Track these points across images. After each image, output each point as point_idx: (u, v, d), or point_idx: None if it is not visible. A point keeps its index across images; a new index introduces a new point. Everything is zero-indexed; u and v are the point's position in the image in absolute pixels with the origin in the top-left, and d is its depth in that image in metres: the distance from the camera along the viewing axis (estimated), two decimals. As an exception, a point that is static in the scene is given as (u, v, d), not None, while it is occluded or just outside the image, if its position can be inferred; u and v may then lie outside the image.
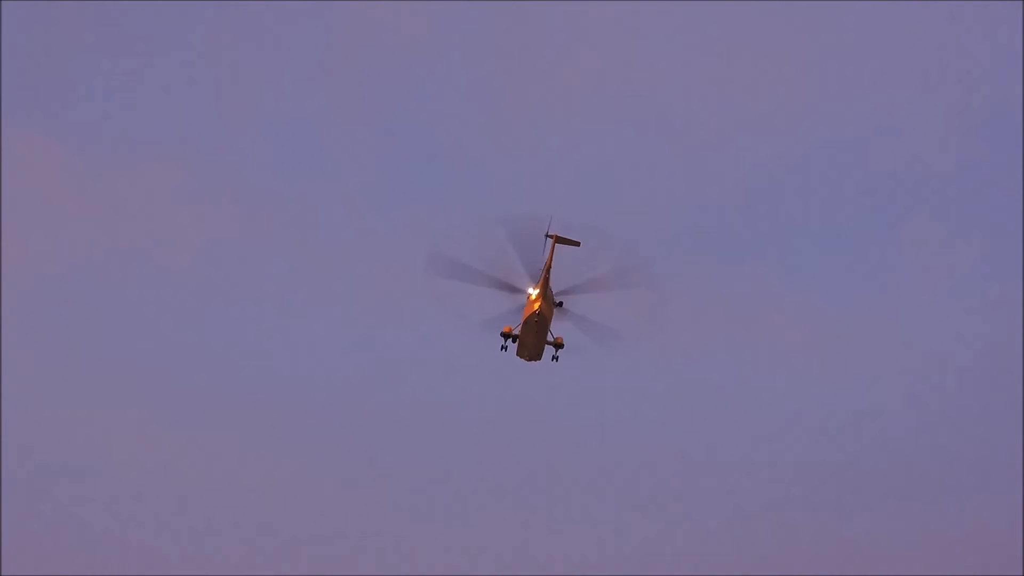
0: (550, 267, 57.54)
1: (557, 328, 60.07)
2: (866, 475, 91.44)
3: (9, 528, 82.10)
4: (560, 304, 58.97)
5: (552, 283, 58.10)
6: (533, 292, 58.63)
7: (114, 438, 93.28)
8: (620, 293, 57.51)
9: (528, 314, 58.67)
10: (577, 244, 57.56)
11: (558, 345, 60.28)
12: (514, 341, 60.20)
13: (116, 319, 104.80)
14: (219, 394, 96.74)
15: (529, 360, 60.92)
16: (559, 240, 57.19)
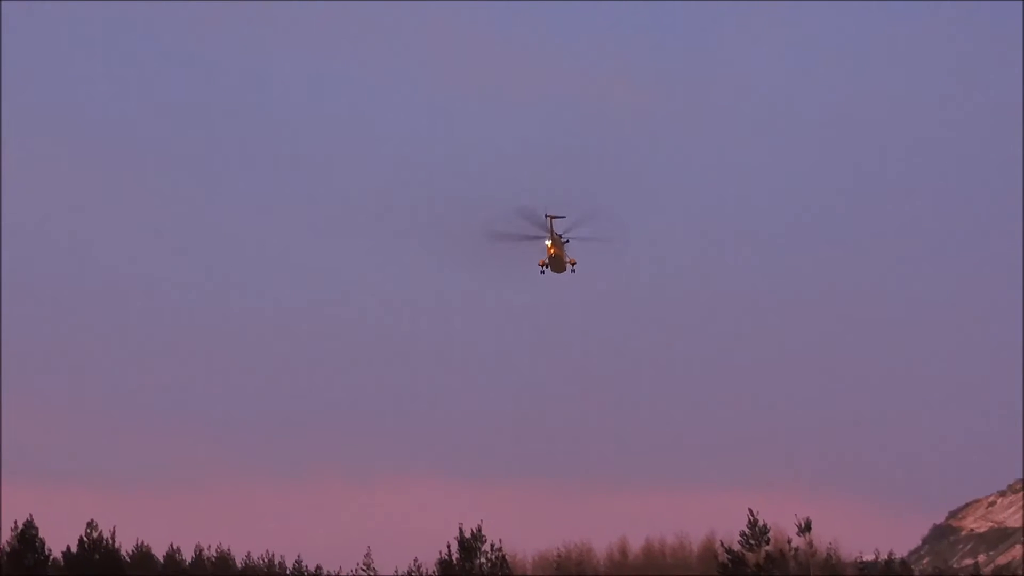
0: (552, 228, 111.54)
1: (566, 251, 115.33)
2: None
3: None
4: (567, 241, 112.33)
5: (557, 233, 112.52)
6: (548, 242, 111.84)
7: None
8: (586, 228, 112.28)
9: (549, 254, 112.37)
10: (563, 217, 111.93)
11: (572, 263, 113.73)
12: (547, 267, 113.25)
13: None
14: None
15: (558, 272, 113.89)
16: (553, 217, 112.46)
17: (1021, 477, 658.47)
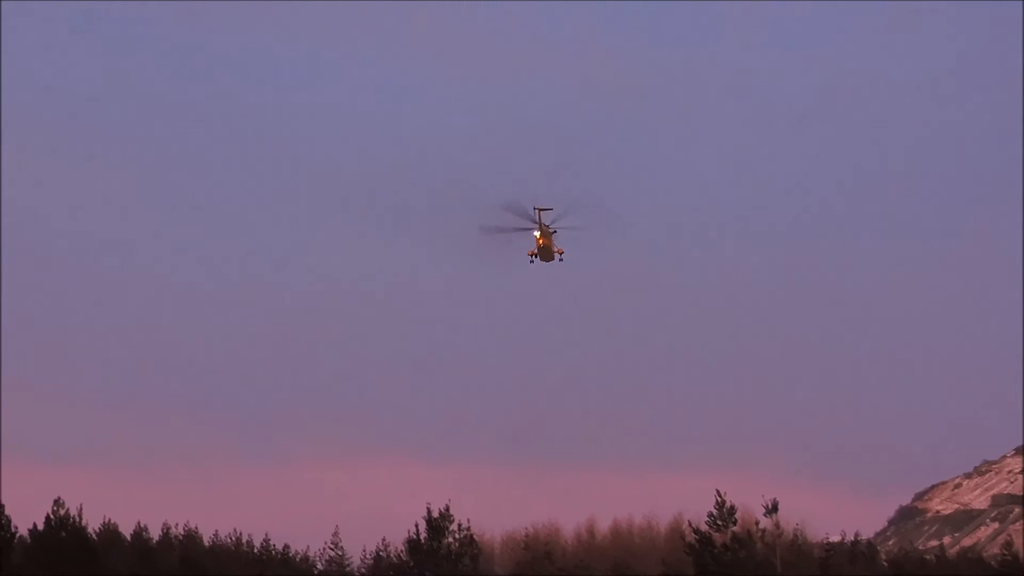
0: (541, 220, 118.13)
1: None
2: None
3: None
4: (555, 232, 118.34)
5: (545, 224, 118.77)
6: (537, 233, 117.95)
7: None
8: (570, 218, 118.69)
9: (538, 244, 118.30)
10: (551, 209, 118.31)
11: (560, 253, 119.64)
12: (536, 256, 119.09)
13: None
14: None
15: (546, 262, 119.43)
16: (541, 209, 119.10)
17: (986, 460, 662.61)
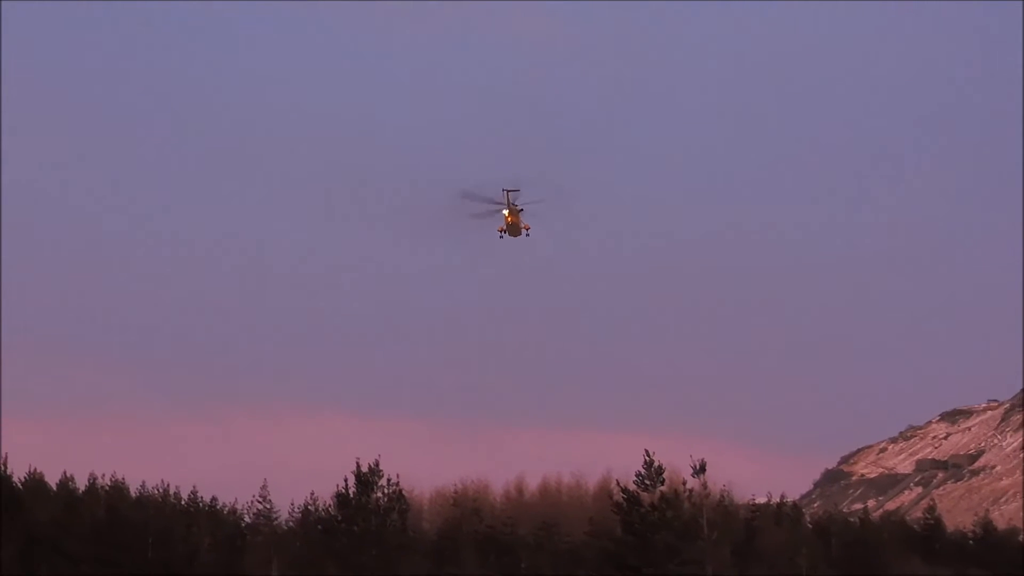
0: (509, 200, 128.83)
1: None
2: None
3: None
4: (521, 210, 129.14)
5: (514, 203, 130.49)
6: (506, 211, 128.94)
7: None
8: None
9: (507, 221, 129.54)
10: (518, 190, 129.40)
11: (526, 229, 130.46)
12: (505, 232, 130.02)
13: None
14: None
15: (515, 237, 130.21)
16: (508, 191, 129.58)
17: (911, 425, 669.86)
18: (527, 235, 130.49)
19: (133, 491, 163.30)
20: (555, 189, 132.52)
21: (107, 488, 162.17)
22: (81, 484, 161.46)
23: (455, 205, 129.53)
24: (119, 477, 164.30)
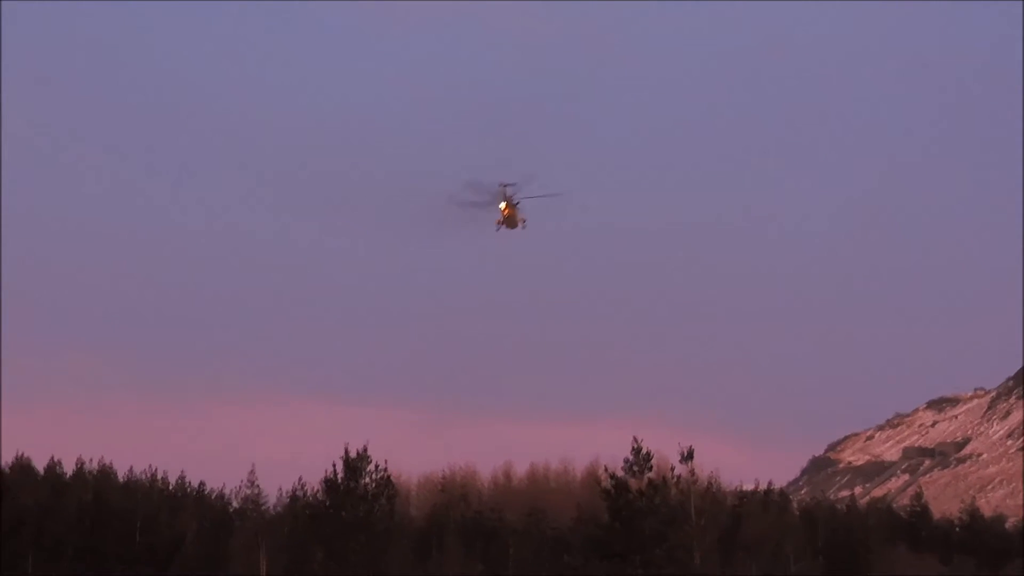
0: (505, 194, 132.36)
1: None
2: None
3: None
4: (517, 203, 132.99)
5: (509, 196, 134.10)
6: (503, 205, 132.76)
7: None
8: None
9: (504, 214, 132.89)
10: (515, 184, 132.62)
11: (523, 221, 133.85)
12: (503, 224, 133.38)
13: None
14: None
15: (511, 228, 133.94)
16: (506, 184, 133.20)
17: (898, 413, 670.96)
18: (524, 227, 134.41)
19: (121, 476, 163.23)
20: (547, 183, 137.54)
21: (94, 473, 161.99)
22: (68, 469, 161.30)
23: (455, 196, 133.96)
24: (107, 462, 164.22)
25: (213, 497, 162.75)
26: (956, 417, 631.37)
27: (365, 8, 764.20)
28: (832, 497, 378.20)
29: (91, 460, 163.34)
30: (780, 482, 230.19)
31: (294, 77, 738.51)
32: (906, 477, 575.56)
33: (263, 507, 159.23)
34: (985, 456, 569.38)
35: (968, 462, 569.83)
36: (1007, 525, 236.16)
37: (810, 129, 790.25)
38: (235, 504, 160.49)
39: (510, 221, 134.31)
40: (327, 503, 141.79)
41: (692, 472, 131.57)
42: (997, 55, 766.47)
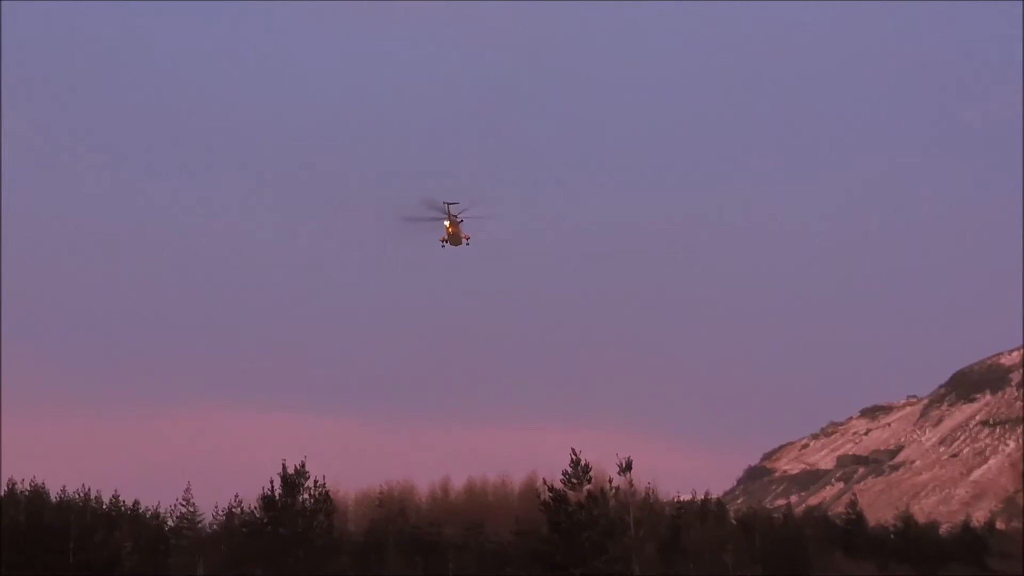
0: (450, 212, 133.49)
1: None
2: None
3: None
4: (461, 221, 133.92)
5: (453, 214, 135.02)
6: (447, 223, 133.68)
7: None
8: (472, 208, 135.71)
9: (448, 232, 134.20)
10: (457, 203, 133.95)
11: (467, 238, 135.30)
12: (447, 242, 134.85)
13: None
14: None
15: (455, 246, 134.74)
16: (449, 203, 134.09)
17: (832, 421, 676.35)
18: (467, 244, 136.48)
19: (54, 496, 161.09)
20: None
21: (27, 493, 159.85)
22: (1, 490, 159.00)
23: (408, 213, 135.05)
24: (39, 482, 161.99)
25: (148, 516, 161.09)
26: (889, 425, 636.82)
27: (365, 8, 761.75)
28: (769, 506, 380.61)
29: (23, 480, 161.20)
30: (717, 491, 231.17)
31: (294, 77, 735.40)
32: (841, 485, 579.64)
33: (199, 524, 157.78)
34: (918, 463, 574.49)
35: (901, 469, 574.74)
36: (941, 531, 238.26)
37: (810, 129, 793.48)
38: (171, 522, 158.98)
39: (454, 238, 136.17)
40: (265, 519, 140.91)
41: (630, 483, 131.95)
42: (997, 55, 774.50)
